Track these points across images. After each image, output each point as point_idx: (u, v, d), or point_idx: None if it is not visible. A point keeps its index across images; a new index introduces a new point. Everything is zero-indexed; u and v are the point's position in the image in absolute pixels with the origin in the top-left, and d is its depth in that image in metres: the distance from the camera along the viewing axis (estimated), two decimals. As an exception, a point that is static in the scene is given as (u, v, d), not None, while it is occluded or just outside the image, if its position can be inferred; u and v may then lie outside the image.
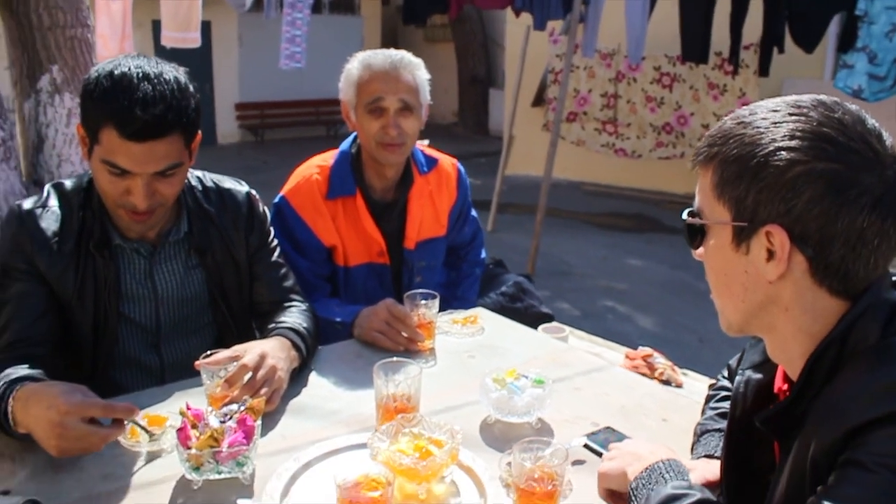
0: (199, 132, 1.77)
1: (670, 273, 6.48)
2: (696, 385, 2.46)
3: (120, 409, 1.45)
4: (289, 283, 2.06)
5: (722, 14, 6.28)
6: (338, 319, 2.11)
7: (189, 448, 1.35)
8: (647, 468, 1.21)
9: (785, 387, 1.21)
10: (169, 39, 5.38)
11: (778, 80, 7.82)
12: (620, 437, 1.59)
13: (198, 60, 13.41)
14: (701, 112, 8.25)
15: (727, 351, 4.27)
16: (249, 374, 1.61)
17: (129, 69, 1.62)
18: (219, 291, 1.96)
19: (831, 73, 8.12)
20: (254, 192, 2.06)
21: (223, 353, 1.65)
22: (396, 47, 2.39)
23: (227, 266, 1.96)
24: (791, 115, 1.04)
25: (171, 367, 1.94)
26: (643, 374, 2.39)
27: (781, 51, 6.70)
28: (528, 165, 9.42)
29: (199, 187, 1.96)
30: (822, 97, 1.07)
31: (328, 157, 2.37)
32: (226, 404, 1.49)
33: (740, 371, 1.31)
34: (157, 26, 5.19)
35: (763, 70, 7.07)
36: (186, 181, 1.90)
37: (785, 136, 1.01)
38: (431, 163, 2.47)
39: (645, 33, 6.26)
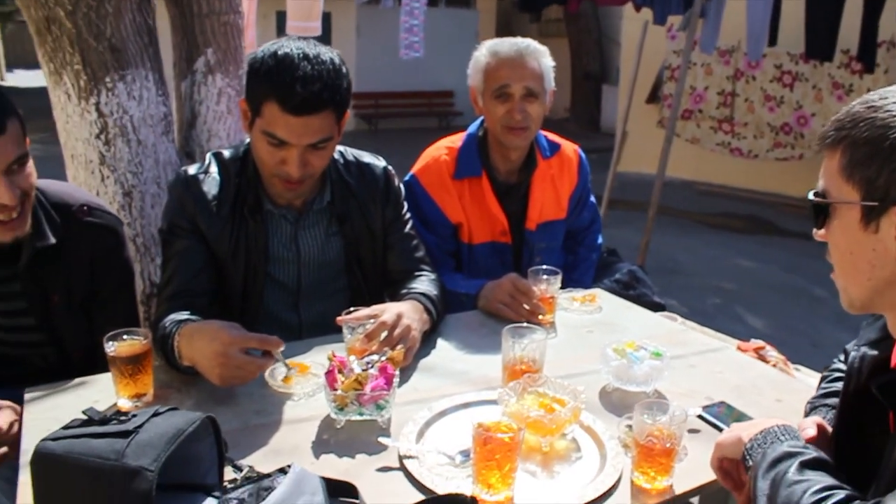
0: (348, 110, 1.92)
1: (783, 276, 6.34)
2: (810, 381, 2.47)
3: (271, 341, 1.61)
4: (419, 253, 2.20)
5: (853, 9, 6.00)
6: (463, 291, 2.24)
7: (335, 389, 1.50)
8: (762, 431, 1.27)
9: None
10: (292, 29, 5.64)
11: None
12: (735, 412, 1.66)
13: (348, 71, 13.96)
14: (823, 113, 7.99)
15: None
16: (386, 332, 1.75)
17: (292, 50, 1.79)
18: (355, 258, 2.12)
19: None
20: (390, 167, 2.20)
21: (363, 311, 1.80)
22: None
23: (364, 235, 2.11)
24: None
25: (307, 326, 2.11)
26: (755, 366, 2.42)
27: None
28: (640, 163, 9.34)
29: (341, 161, 2.12)
30: None
31: (456, 140, 2.50)
32: (366, 357, 1.63)
33: (855, 347, 1.35)
34: (280, 17, 5.47)
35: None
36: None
37: None
38: (554, 148, 2.57)
39: (767, 29, 6.12)
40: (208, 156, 2.05)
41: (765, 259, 6.84)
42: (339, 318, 1.79)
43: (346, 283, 2.15)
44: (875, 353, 1.29)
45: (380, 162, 2.19)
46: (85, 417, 1.27)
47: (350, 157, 2.14)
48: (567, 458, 1.47)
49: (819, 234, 1.23)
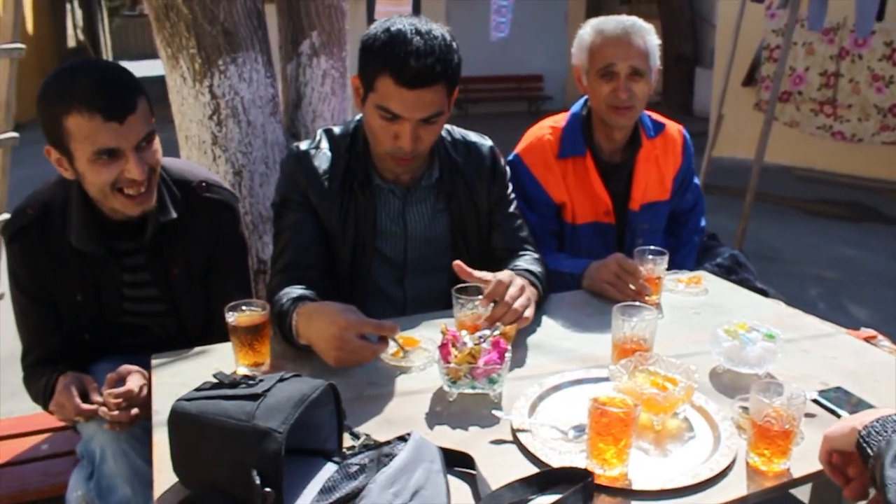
0: (458, 86, 1.93)
1: (889, 265, 6.08)
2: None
3: (387, 327, 1.65)
4: (524, 233, 2.21)
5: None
6: (567, 270, 2.24)
7: (449, 363, 1.53)
8: (878, 419, 1.19)
9: None
10: (382, 14, 5.68)
11: None
12: (853, 398, 1.61)
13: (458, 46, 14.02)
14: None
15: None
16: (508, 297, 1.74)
17: (404, 26, 1.82)
18: (460, 235, 2.14)
19: None
20: (496, 147, 2.21)
21: (477, 273, 1.80)
22: None
23: (469, 213, 2.13)
24: None
25: (412, 301, 2.14)
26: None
27: None
28: (735, 147, 9.08)
29: (449, 139, 2.14)
30: None
31: (560, 119, 2.49)
32: (478, 332, 1.65)
33: None
34: (370, 1, 5.53)
35: None
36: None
37: None
38: (658, 127, 2.53)
39: (877, 3, 5.84)
40: (319, 132, 2.11)
41: (869, 248, 6.57)
42: (455, 263, 1.81)
43: (451, 260, 2.17)
44: None
45: (486, 141, 2.20)
46: (215, 381, 1.34)
47: (457, 136, 2.17)
48: (679, 437, 1.46)
49: None
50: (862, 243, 6.69)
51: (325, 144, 2.06)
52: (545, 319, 2.00)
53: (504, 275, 1.78)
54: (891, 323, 4.90)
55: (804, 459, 1.39)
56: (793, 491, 2.50)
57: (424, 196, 2.11)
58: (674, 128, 2.58)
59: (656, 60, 2.38)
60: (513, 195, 2.23)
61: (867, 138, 8.23)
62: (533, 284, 1.95)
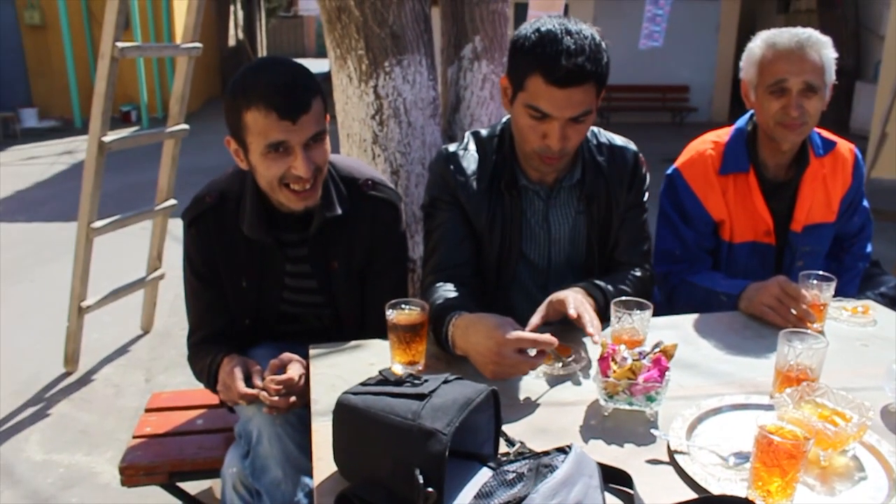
0: (605, 86, 1.92)
1: None
2: None
3: (545, 340, 1.66)
4: (644, 247, 2.17)
5: None
6: (723, 290, 2.18)
7: (608, 377, 1.52)
8: None
9: None
10: (533, 17, 5.68)
11: None
12: None
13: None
14: None
15: None
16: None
17: (554, 26, 1.83)
18: (597, 239, 2.13)
19: None
20: (641, 154, 2.18)
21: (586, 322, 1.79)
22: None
23: (608, 216, 2.12)
24: None
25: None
26: None
27: None
28: (897, 167, 8.53)
29: (594, 141, 2.13)
30: None
31: (723, 134, 2.42)
32: (637, 347, 1.63)
33: None
34: (519, 8, 5.56)
35: None
36: None
37: None
38: (829, 146, 2.41)
39: None
40: (467, 134, 2.15)
41: None
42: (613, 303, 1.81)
43: (585, 263, 2.16)
44: None
45: (631, 146, 2.18)
46: (380, 377, 1.38)
47: (603, 139, 2.15)
48: (849, 476, 1.39)
49: None
50: None
51: (472, 146, 2.10)
52: (699, 340, 1.95)
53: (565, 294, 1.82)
54: None
55: None
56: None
57: (567, 197, 2.10)
58: (845, 146, 2.46)
59: (832, 75, 2.27)
60: (645, 206, 2.18)
61: None
62: (589, 293, 1.93)
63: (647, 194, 2.19)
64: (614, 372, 1.52)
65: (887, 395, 1.64)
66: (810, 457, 1.41)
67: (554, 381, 1.71)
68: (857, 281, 2.63)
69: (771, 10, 16.45)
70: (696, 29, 14.35)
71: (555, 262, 2.13)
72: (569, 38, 1.80)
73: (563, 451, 1.26)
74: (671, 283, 2.37)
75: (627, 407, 1.53)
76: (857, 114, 13.32)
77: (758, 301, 2.05)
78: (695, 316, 2.09)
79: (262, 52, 21.17)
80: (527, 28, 1.88)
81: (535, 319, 1.82)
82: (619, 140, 2.18)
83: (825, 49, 2.25)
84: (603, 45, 1.87)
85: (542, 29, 1.84)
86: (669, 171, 2.42)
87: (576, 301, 1.80)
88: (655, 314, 2.22)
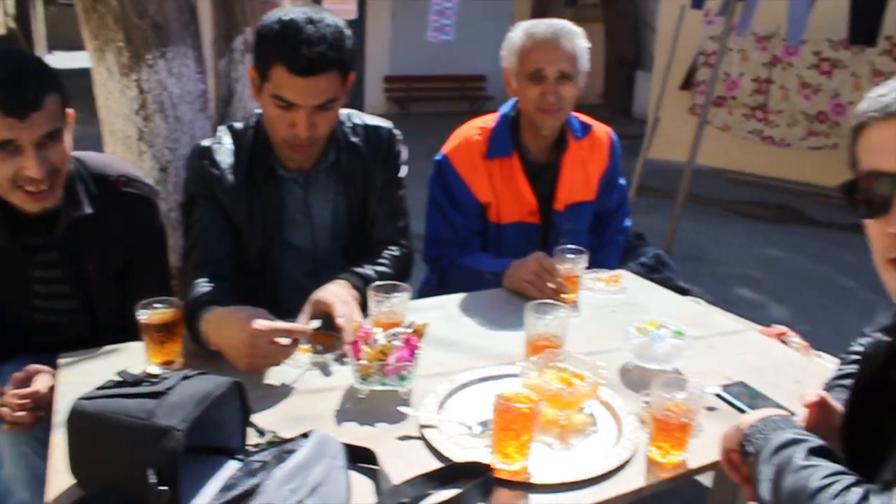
0: (353, 72, 1.96)
1: (811, 265, 6.28)
2: (830, 366, 2.47)
3: (297, 330, 1.66)
4: (401, 223, 2.23)
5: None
6: (489, 269, 2.28)
7: (360, 360, 1.55)
8: (761, 419, 1.27)
9: None
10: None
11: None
12: (754, 392, 1.68)
13: (352, 33, 13.91)
14: (860, 101, 7.86)
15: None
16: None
17: (297, 15, 1.85)
18: (358, 220, 2.17)
19: None
20: (397, 132, 2.24)
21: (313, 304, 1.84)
22: None
23: (365, 196, 2.16)
24: None
25: None
26: (777, 352, 2.43)
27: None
28: (671, 150, 9.25)
29: (349, 123, 2.17)
30: None
31: (489, 120, 2.52)
32: (392, 329, 1.67)
33: (870, 334, 1.36)
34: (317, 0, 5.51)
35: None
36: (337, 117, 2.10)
37: None
38: (586, 129, 2.58)
39: (808, 13, 6.03)
40: (221, 128, 2.12)
41: (793, 248, 6.77)
42: (370, 289, 1.84)
43: (350, 244, 2.19)
44: (889, 339, 1.30)
45: (386, 124, 2.23)
46: (119, 379, 1.33)
47: (357, 121, 2.19)
48: (583, 431, 1.50)
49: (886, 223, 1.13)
50: (787, 244, 6.90)
51: (227, 140, 2.07)
52: (464, 318, 2.03)
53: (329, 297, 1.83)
54: (808, 319, 5.07)
55: (702, 452, 1.44)
56: (698, 478, 2.57)
57: (325, 181, 2.12)
58: (601, 129, 2.63)
59: (585, 63, 2.42)
60: (402, 183, 2.25)
61: (795, 143, 8.47)
62: (354, 286, 1.95)
63: (404, 171, 2.25)
64: (366, 354, 1.55)
65: (625, 355, 1.78)
66: (550, 417, 1.51)
67: (313, 367, 1.72)
68: (618, 253, 2.83)
69: (560, 2, 17.29)
70: (490, 20, 14.78)
71: (321, 247, 2.15)
72: (310, 27, 1.82)
73: (305, 436, 1.27)
74: (443, 267, 2.45)
75: (381, 388, 1.56)
76: (638, 100, 14.30)
77: (518, 277, 2.16)
78: (462, 295, 2.18)
79: (40, 42, 19.60)
80: (271, 18, 1.88)
81: (301, 321, 1.81)
82: (373, 120, 2.22)
83: (578, 39, 2.40)
84: (346, 31, 1.90)
85: (285, 19, 1.84)
86: (438, 158, 2.49)
87: (342, 303, 1.81)
88: (429, 296, 2.30)
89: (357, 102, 14.16)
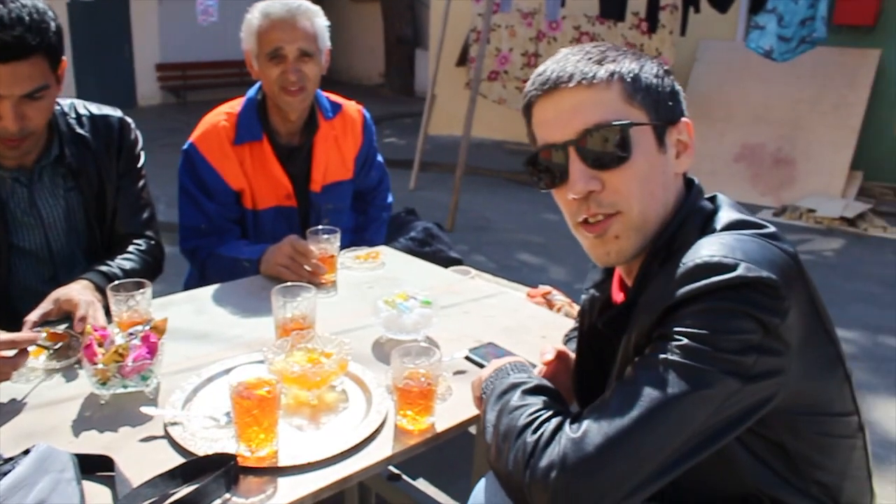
0: (65, 58, 1.84)
1: (586, 226, 6.72)
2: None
3: (23, 339, 1.53)
4: (145, 215, 2.16)
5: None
6: (245, 257, 2.23)
7: (95, 364, 1.47)
8: (496, 369, 1.37)
9: (621, 296, 1.38)
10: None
11: (693, 40, 8.07)
12: (501, 352, 1.76)
13: (115, 20, 13.05)
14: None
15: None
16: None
17: None
18: (95, 216, 2.05)
19: (743, 34, 8.44)
20: (128, 119, 2.14)
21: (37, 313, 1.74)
22: (322, 4, 2.48)
23: (101, 189, 2.05)
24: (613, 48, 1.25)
25: None
26: (543, 311, 2.58)
27: (697, 11, 6.94)
28: (451, 125, 9.54)
29: (73, 114, 2.04)
30: None
31: (235, 105, 2.46)
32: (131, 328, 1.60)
33: (585, 290, 1.48)
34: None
35: (682, 30, 7.32)
36: (59, 108, 1.99)
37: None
38: (336, 108, 2.58)
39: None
40: None
41: (569, 211, 7.20)
42: (109, 289, 1.74)
43: (91, 243, 2.08)
44: (599, 294, 1.43)
45: (116, 113, 2.13)
46: None
47: (83, 111, 2.07)
48: (335, 408, 1.51)
49: (594, 183, 1.20)
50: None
51: None
52: (215, 308, 1.98)
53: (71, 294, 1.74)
54: (581, 276, 5.41)
55: (451, 413, 1.50)
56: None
57: (52, 177, 1.99)
58: (352, 107, 2.65)
59: (326, 41, 2.42)
60: (142, 172, 2.17)
61: (565, 112, 8.99)
62: (100, 288, 1.85)
63: (142, 159, 2.16)
64: (102, 357, 1.47)
65: (377, 329, 1.81)
66: (302, 399, 1.51)
67: (48, 377, 1.61)
68: (383, 229, 2.87)
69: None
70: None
71: (57, 249, 2.01)
72: (3, 7, 1.67)
73: (28, 452, 1.19)
74: (201, 258, 2.37)
75: (124, 390, 1.49)
76: (419, 79, 14.59)
77: (273, 262, 2.14)
78: (216, 286, 2.12)
79: None
80: None
81: (34, 316, 1.70)
82: (101, 109, 2.11)
83: (317, 17, 2.38)
84: (49, 13, 1.76)
85: None
86: (185, 147, 2.40)
87: (85, 304, 1.71)
88: (189, 288, 2.22)
89: (127, 94, 13.37)
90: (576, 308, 2.79)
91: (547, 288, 2.93)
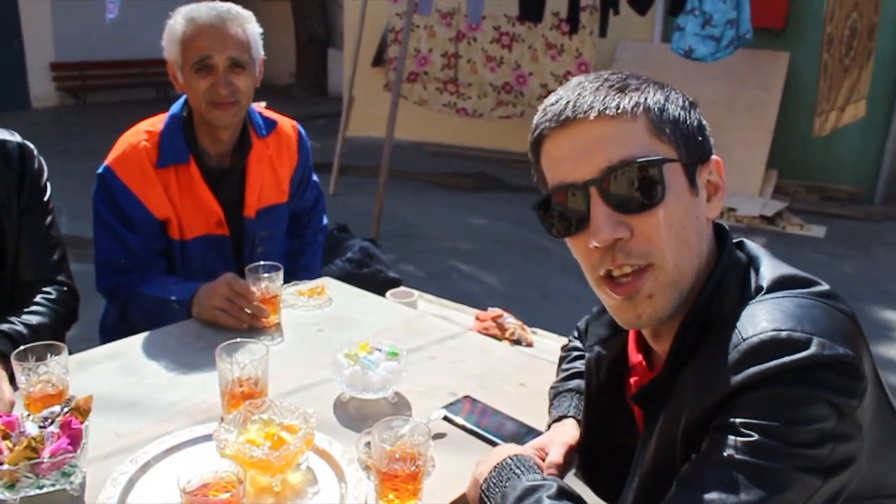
0: None
1: (513, 230, 6.59)
2: (546, 343, 2.49)
3: None
4: (55, 256, 1.88)
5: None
6: (174, 298, 1.95)
7: (1, 463, 1.18)
8: (495, 467, 1.18)
9: (640, 358, 1.20)
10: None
11: (612, 41, 8.07)
12: (478, 405, 1.57)
13: (3, 16, 12.20)
14: (539, 72, 8.38)
15: (570, 305, 4.41)
16: None
17: None
18: None
19: (660, 36, 8.50)
20: (29, 144, 1.86)
21: None
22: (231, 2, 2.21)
23: (0, 231, 1.77)
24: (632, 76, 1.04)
25: None
26: (494, 336, 2.40)
27: (617, 12, 6.90)
28: (369, 127, 9.28)
29: None
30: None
31: (157, 122, 2.17)
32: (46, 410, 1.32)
33: (588, 347, 1.30)
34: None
35: (601, 31, 7.27)
36: None
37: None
38: (270, 125, 2.32)
39: (483, -8, 6.24)
40: None
41: (495, 215, 7.07)
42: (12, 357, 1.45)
43: None
44: (607, 352, 1.25)
45: (14, 137, 1.84)
46: None
47: None
48: (303, 494, 1.28)
49: (621, 230, 1.00)
50: (489, 212, 7.19)
51: None
52: (147, 365, 1.70)
53: None
54: (517, 284, 5.30)
55: (438, 489, 1.30)
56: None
57: None
58: (287, 124, 2.39)
59: (260, 50, 2.16)
60: (49, 206, 1.89)
61: (487, 113, 8.86)
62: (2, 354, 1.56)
63: (48, 192, 1.87)
64: (8, 455, 1.19)
65: (339, 386, 1.58)
66: (263, 484, 1.27)
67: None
68: (320, 253, 2.62)
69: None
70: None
71: None
72: None
73: None
74: (122, 297, 2.07)
75: (39, 491, 1.21)
76: (331, 79, 14.23)
77: (208, 305, 1.87)
78: (143, 336, 1.84)
79: None
80: None
81: None
82: None
83: (249, 24, 2.13)
84: None
85: None
86: (100, 170, 2.10)
87: None
88: (111, 332, 1.94)
89: (20, 95, 12.54)
90: (528, 331, 2.62)
91: (497, 311, 2.76)
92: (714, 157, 1.08)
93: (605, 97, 1.02)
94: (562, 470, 1.28)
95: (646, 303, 1.03)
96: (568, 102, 1.04)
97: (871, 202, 7.82)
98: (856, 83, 6.64)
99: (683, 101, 1.07)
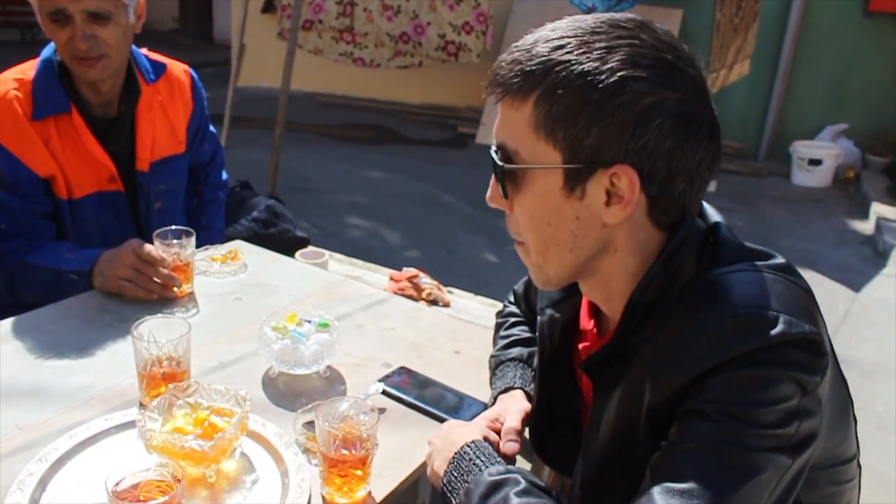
0: None
1: (412, 184, 6.48)
2: (464, 303, 2.43)
3: None
4: None
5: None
6: (71, 268, 1.77)
7: None
8: (453, 458, 1.10)
9: (591, 324, 1.15)
10: None
11: (511, -7, 7.98)
12: (419, 379, 1.49)
13: None
14: (437, 22, 8.19)
15: (476, 261, 4.35)
16: None
17: None
18: None
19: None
20: None
21: None
22: None
23: None
24: (620, 37, 0.93)
25: None
26: (410, 296, 2.32)
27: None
28: (260, 76, 8.90)
29: None
30: (631, 15, 0.97)
31: (27, 69, 1.92)
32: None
33: (540, 311, 1.25)
34: None
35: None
36: None
37: (626, 63, 0.90)
38: (159, 69, 2.11)
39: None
40: None
41: (393, 169, 6.93)
42: None
43: None
44: (559, 315, 1.21)
45: None
46: None
47: None
48: (240, 484, 1.17)
49: (498, 202, 1.03)
50: (387, 165, 7.05)
51: None
52: (47, 345, 1.51)
53: None
54: (420, 240, 5.22)
55: (383, 475, 1.21)
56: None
57: None
58: (178, 68, 2.18)
59: None
60: None
61: (384, 63, 8.62)
62: None
63: None
64: None
65: (263, 359, 1.46)
66: (195, 476, 1.15)
67: None
68: (222, 211, 2.44)
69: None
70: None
71: None
72: None
73: None
74: (8, 268, 1.85)
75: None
76: (218, 25, 13.58)
77: (112, 275, 1.70)
78: (36, 312, 1.64)
79: None
80: None
81: None
82: None
83: None
84: None
85: None
86: None
87: None
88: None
89: None
90: (444, 291, 2.56)
91: (412, 270, 2.67)
92: (625, 166, 0.92)
93: (523, 68, 0.94)
94: (521, 435, 1.24)
95: (537, 271, 1.06)
96: (501, 65, 0.98)
97: (756, 158, 8.11)
98: (743, 42, 6.82)
99: (618, 97, 0.90)
